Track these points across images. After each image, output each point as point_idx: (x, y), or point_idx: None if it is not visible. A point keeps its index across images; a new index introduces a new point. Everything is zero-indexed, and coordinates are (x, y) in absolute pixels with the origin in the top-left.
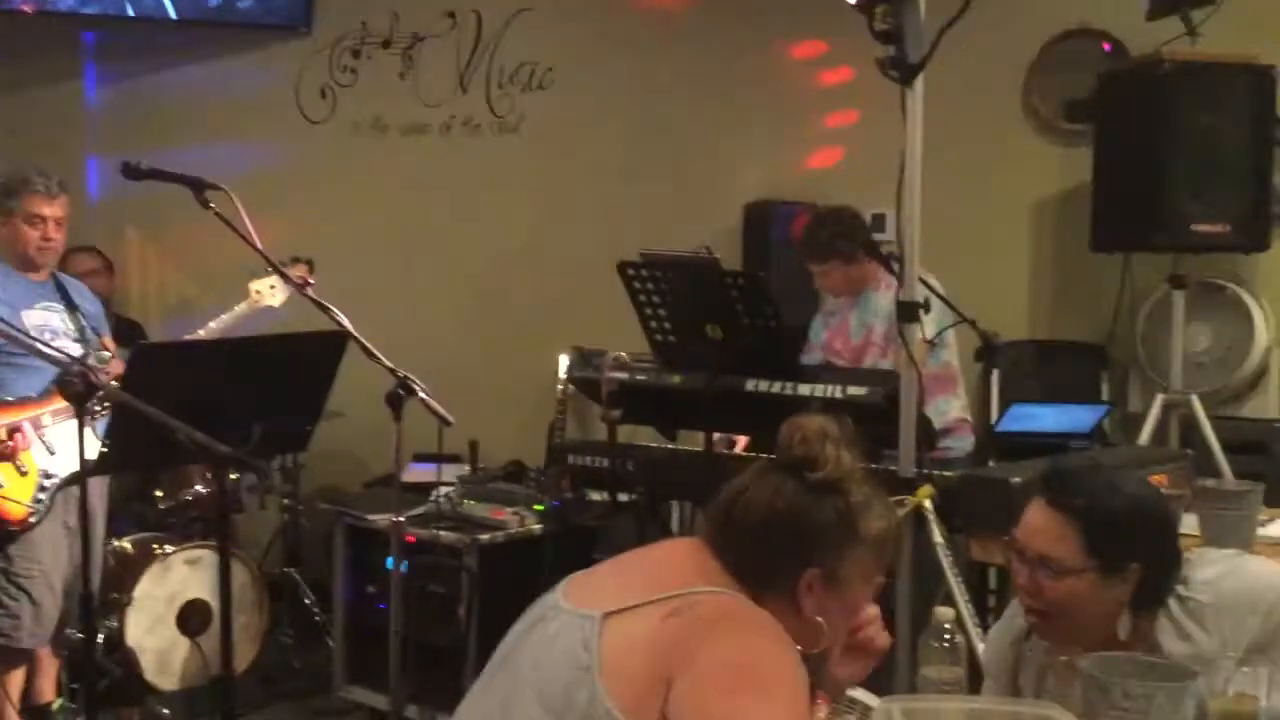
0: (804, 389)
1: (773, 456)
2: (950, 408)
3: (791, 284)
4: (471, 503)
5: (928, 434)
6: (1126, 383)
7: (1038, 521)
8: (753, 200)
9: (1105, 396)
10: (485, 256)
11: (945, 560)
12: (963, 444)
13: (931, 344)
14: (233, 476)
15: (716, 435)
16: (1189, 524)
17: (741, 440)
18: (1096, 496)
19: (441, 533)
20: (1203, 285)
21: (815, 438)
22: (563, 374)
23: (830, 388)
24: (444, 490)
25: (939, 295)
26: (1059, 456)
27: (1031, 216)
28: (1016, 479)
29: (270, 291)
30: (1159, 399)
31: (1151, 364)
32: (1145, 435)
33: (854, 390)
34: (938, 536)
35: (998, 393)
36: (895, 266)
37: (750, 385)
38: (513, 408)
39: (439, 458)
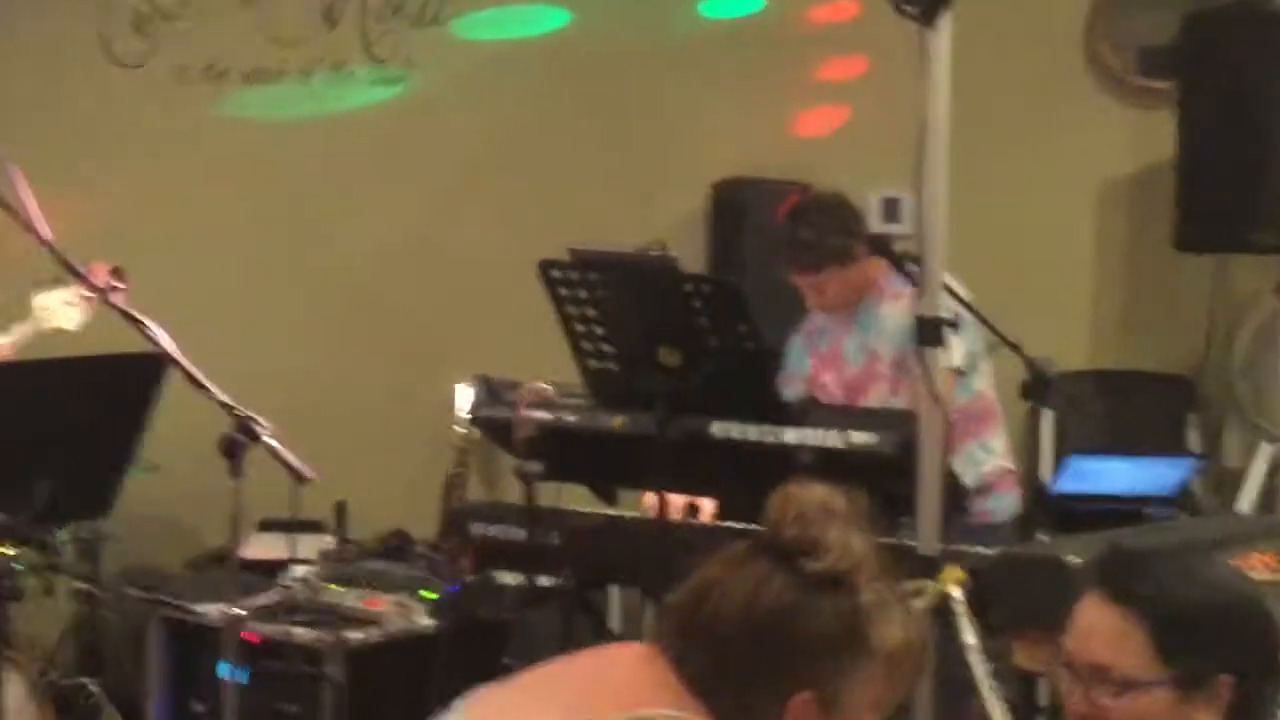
0: (791, 435)
1: (754, 533)
2: (988, 455)
3: (775, 291)
4: (337, 588)
5: (955, 494)
6: (1221, 428)
7: (1093, 621)
8: (723, 178)
9: (1193, 447)
10: (359, 253)
11: (979, 669)
12: (1006, 503)
13: (960, 372)
14: (7, 552)
15: (673, 498)
16: None
17: (707, 505)
18: (1170, 586)
19: (295, 630)
20: None
21: (816, 516)
22: (463, 412)
23: (827, 433)
24: (299, 571)
25: (968, 307)
26: (1128, 531)
27: (1095, 204)
28: (1076, 559)
29: (63, 308)
30: (1265, 450)
31: (1256, 403)
32: (1247, 498)
33: (859, 437)
34: (969, 636)
35: (1051, 441)
36: (911, 270)
37: (719, 430)
38: (395, 458)
39: (293, 526)
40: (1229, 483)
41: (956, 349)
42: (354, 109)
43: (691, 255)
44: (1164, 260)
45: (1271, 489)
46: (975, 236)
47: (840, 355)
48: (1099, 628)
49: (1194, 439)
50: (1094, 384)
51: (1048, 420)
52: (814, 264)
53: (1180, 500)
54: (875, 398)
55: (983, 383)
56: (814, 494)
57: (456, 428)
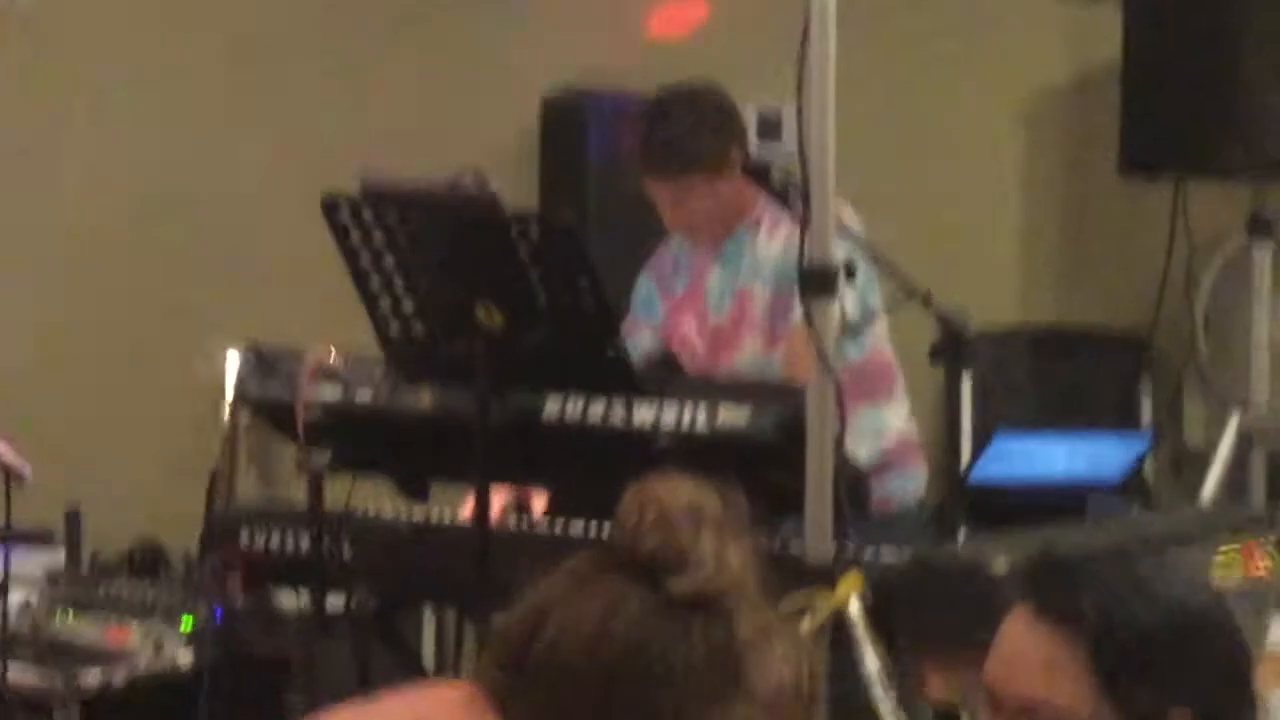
0: (644, 413)
1: (603, 541)
2: (886, 421)
3: (624, 231)
4: (70, 617)
5: (855, 487)
6: (1180, 397)
7: (1021, 644)
8: (556, 91)
9: (1146, 420)
10: (91, 190)
11: (883, 701)
12: (911, 484)
13: (851, 326)
14: None
15: (496, 493)
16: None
17: (539, 501)
18: (1114, 600)
19: (15, 671)
20: None
21: (682, 520)
22: (230, 389)
23: (688, 411)
24: (20, 597)
25: (861, 245)
26: (1066, 528)
27: (1024, 119)
28: (1001, 565)
29: None
30: (1233, 422)
31: (1219, 365)
32: (1212, 483)
33: (729, 416)
34: (871, 661)
35: (971, 416)
36: (793, 199)
37: (553, 408)
38: (143, 449)
39: (9, 538)
40: (1190, 463)
41: (848, 298)
42: (79, 9)
43: (517, 187)
44: (1109, 188)
45: (1240, 468)
46: (874, 158)
47: (701, 296)
48: (1028, 652)
49: (1147, 411)
50: (1025, 344)
51: (967, 390)
52: (677, 167)
53: (1131, 487)
54: (747, 353)
55: (875, 336)
56: (678, 491)
57: (223, 408)
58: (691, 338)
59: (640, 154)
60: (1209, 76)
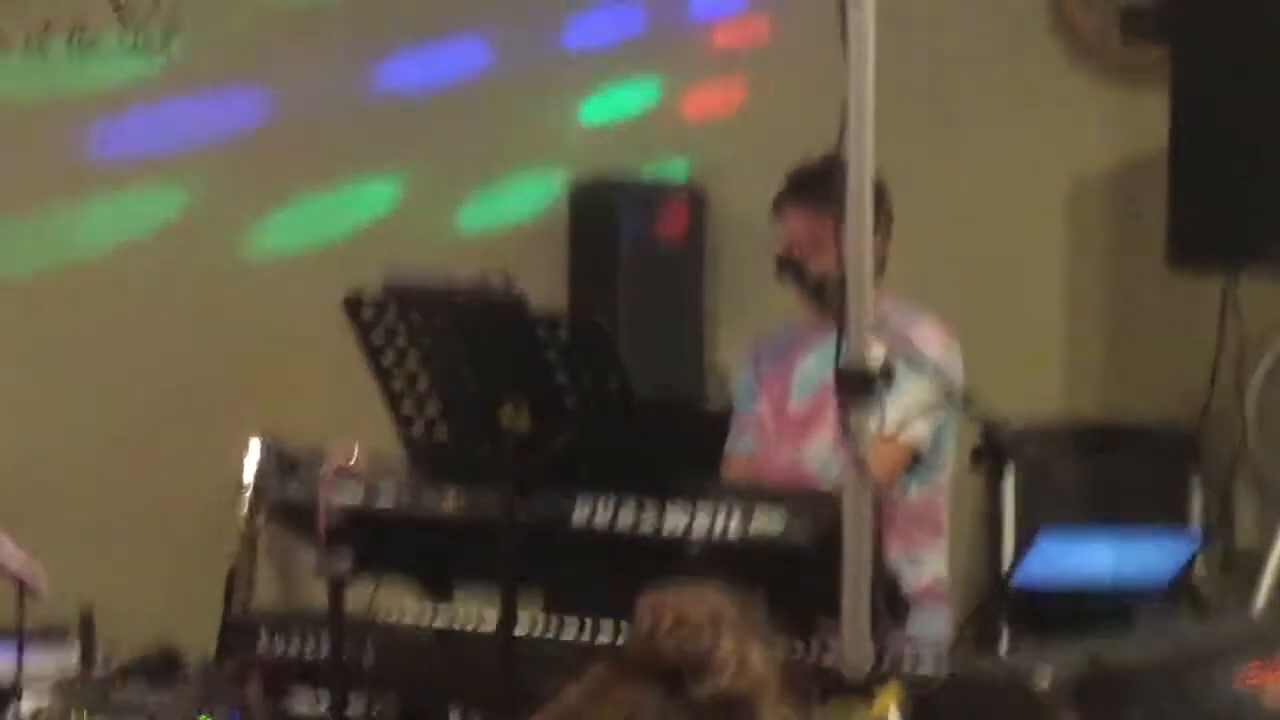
0: (676, 518)
1: (625, 655)
2: (923, 566)
3: (658, 327)
4: None
5: (893, 601)
6: (1231, 495)
7: None
8: (585, 177)
9: (1196, 518)
10: (108, 275)
11: None
12: (935, 625)
13: (917, 456)
14: None
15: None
16: None
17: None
18: (1159, 715)
19: None
20: None
21: (701, 624)
22: (250, 485)
23: (720, 519)
24: (29, 703)
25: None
26: (1113, 638)
27: (1068, 210)
28: (1044, 681)
29: None
30: None
31: (1272, 462)
32: (1265, 586)
33: (762, 524)
34: None
35: (1013, 512)
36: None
37: (581, 512)
38: (159, 548)
39: (20, 638)
40: (1241, 564)
41: (894, 407)
42: (101, 83)
43: (545, 280)
44: (1156, 278)
45: None
46: (914, 249)
47: (789, 377)
48: None
49: (1197, 508)
50: (1070, 440)
51: (1010, 488)
52: (821, 202)
53: (1180, 590)
54: (815, 447)
55: (940, 484)
56: (698, 600)
57: (241, 506)
58: (765, 417)
59: (794, 181)
60: (1259, 166)
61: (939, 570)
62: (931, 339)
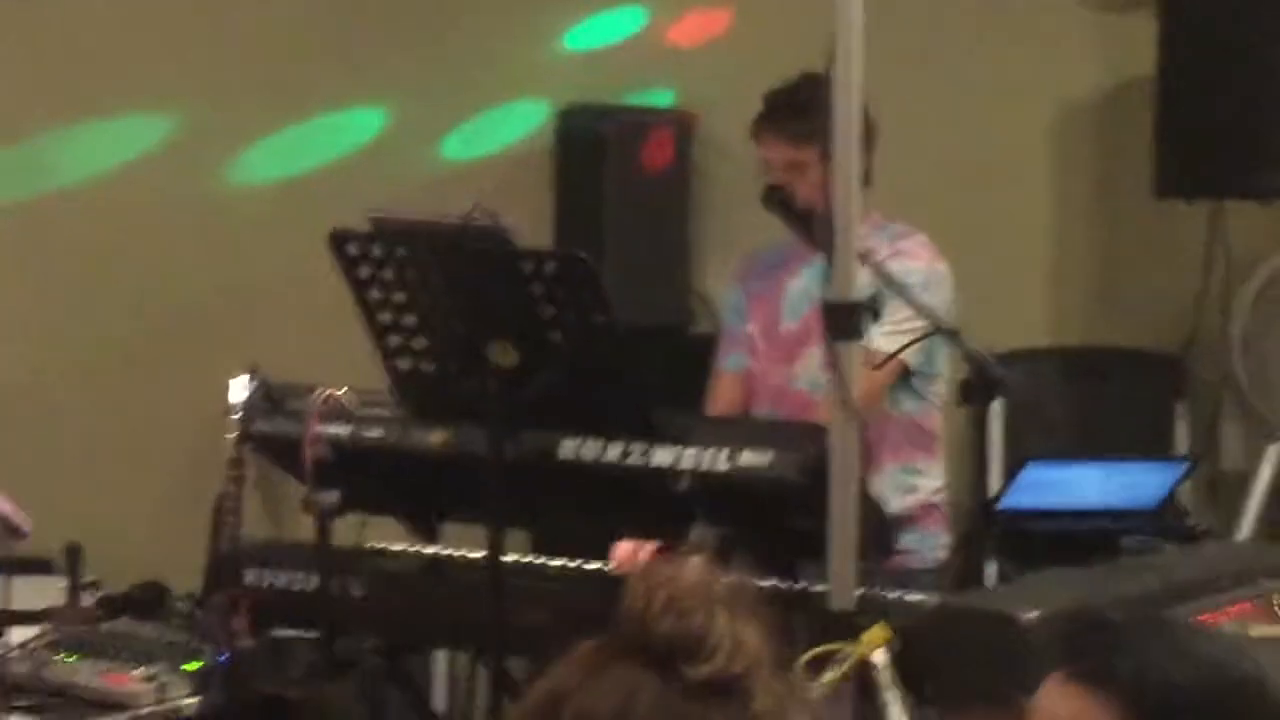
0: (663, 455)
1: (614, 628)
2: (921, 481)
3: (645, 253)
4: (70, 659)
5: (881, 530)
6: (1217, 420)
7: (1055, 709)
8: (571, 104)
9: (1181, 442)
10: (88, 201)
11: None
12: (932, 543)
13: (909, 372)
14: None
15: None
16: None
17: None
18: (1147, 663)
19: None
20: None
21: (694, 603)
22: (235, 414)
23: (708, 453)
24: (17, 637)
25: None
26: (1098, 571)
27: (1054, 136)
28: (1031, 614)
29: None
30: (1272, 451)
31: (1257, 387)
32: (1251, 513)
33: (750, 458)
34: (896, 712)
35: (1001, 439)
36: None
37: (569, 449)
38: (144, 482)
39: (9, 566)
40: (1227, 489)
41: (915, 347)
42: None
43: (530, 204)
44: (1143, 206)
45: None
46: (900, 179)
47: (780, 296)
48: (1062, 717)
49: (1183, 433)
50: (1057, 367)
51: (997, 416)
52: (806, 133)
53: (1166, 515)
54: (809, 366)
55: (936, 397)
56: (688, 574)
57: (229, 434)
58: (756, 339)
59: (770, 106)
60: (1247, 93)
61: (936, 486)
62: (922, 256)
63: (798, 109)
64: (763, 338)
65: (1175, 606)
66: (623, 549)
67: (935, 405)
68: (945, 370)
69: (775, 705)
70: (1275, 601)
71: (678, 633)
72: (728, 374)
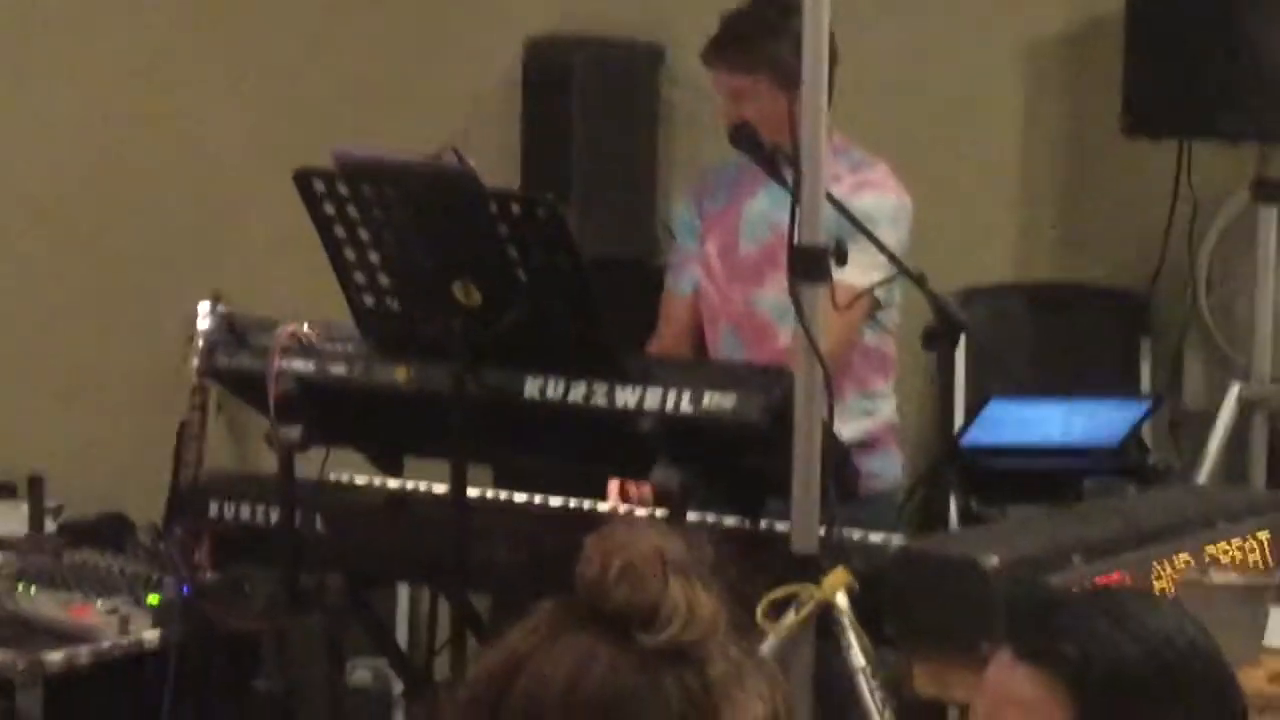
0: (626, 395)
1: (569, 595)
2: (877, 406)
3: (613, 185)
4: (31, 591)
5: (842, 471)
6: (1180, 359)
7: (1003, 686)
8: (540, 34)
9: (1145, 379)
10: (55, 144)
11: (869, 697)
12: (891, 465)
13: (877, 300)
14: None
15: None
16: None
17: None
18: (1093, 639)
19: None
20: None
21: (649, 570)
22: (198, 345)
23: (672, 394)
24: None
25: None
26: (1056, 515)
27: (1021, 70)
28: (993, 558)
29: None
30: (1233, 391)
31: (1224, 328)
32: (1212, 453)
33: (714, 400)
34: (859, 657)
35: (964, 374)
36: (783, 166)
37: (532, 388)
38: (108, 413)
39: None
40: (1190, 427)
41: (867, 265)
42: None
43: (497, 146)
44: (1110, 147)
45: (1240, 436)
46: (865, 111)
47: (737, 218)
48: (1010, 695)
49: (1147, 371)
50: (1022, 301)
51: (962, 353)
52: (743, 61)
53: (1128, 453)
54: (768, 293)
55: (891, 325)
56: (643, 541)
57: (192, 360)
58: (712, 260)
59: (712, 41)
60: (1215, 34)
61: (891, 410)
62: (890, 187)
63: (739, 37)
64: (720, 259)
65: (1136, 551)
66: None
67: (891, 332)
68: (899, 298)
69: (731, 671)
70: (1234, 546)
71: (632, 601)
72: (679, 297)
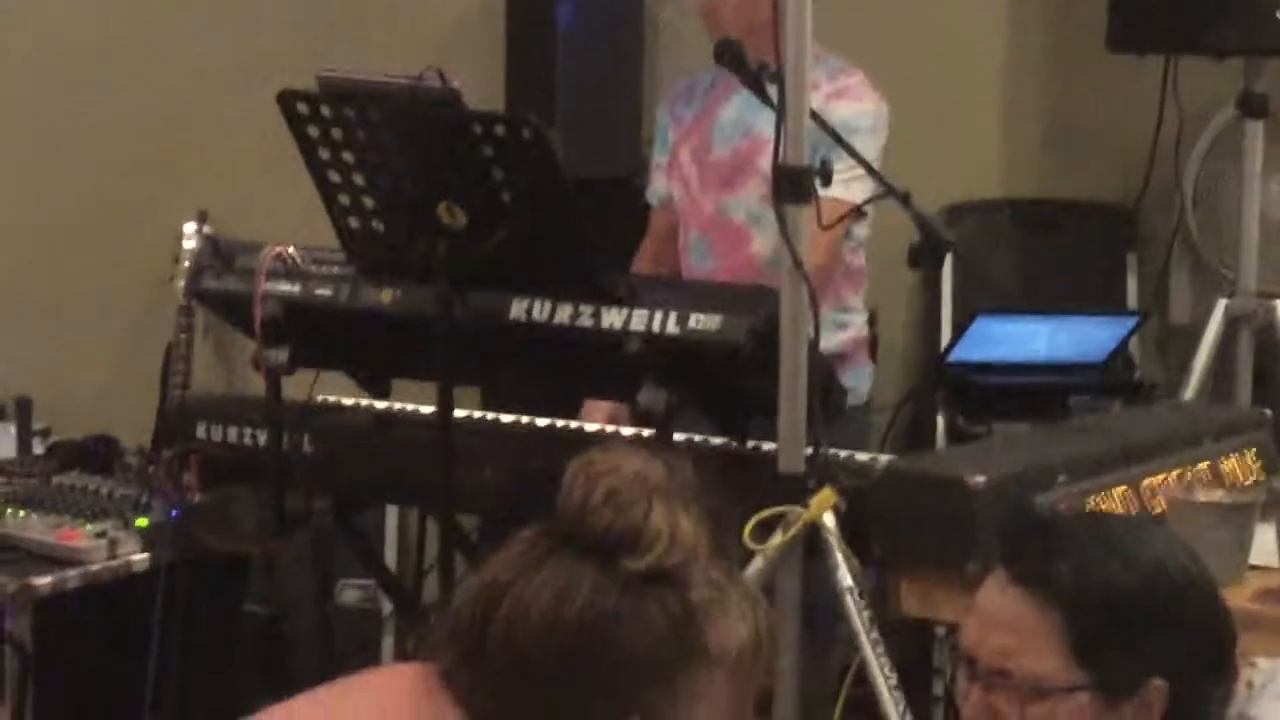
0: (612, 317)
1: (551, 521)
2: (851, 318)
3: (597, 107)
4: (20, 514)
5: (828, 388)
6: (1167, 274)
7: (995, 608)
8: None
9: (1132, 295)
10: (33, 67)
11: (857, 615)
12: (864, 377)
13: (861, 212)
14: None
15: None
16: (1264, 546)
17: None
18: (1087, 564)
19: None
20: None
21: (631, 495)
22: (183, 265)
23: (658, 315)
24: None
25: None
26: (1040, 432)
27: None
28: (979, 477)
29: None
30: (1221, 304)
31: (1208, 242)
32: (1198, 368)
33: (701, 320)
34: (846, 577)
35: (950, 290)
36: (768, 85)
37: (518, 309)
38: (94, 336)
39: None
40: (1176, 344)
41: (851, 181)
42: None
43: (481, 66)
44: (1095, 62)
45: (1227, 351)
46: (850, 29)
47: (710, 124)
48: (1002, 616)
49: (1133, 286)
50: (1008, 218)
51: (947, 272)
52: None
53: (1114, 369)
54: (742, 199)
55: (861, 238)
56: (624, 464)
57: (178, 280)
58: (685, 167)
59: None
60: None
61: (862, 323)
62: (869, 96)
63: None
64: (692, 165)
65: (1123, 469)
66: (598, 408)
67: (861, 243)
68: (871, 210)
69: (713, 594)
70: (1221, 464)
71: (615, 525)
72: (655, 208)
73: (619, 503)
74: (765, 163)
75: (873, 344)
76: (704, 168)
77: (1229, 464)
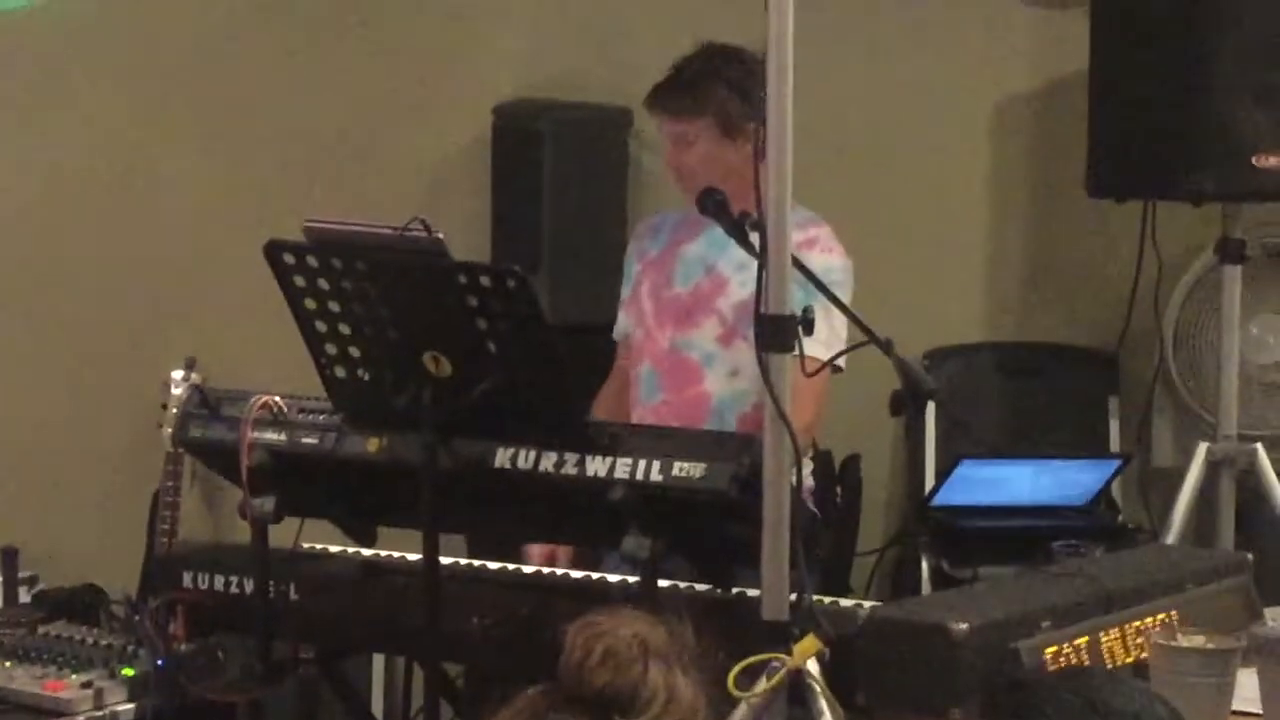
0: (596, 465)
1: (555, 684)
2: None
3: (583, 247)
4: (5, 665)
5: (810, 534)
6: (1149, 417)
7: None
8: (508, 99)
9: (1115, 442)
10: (24, 198)
11: None
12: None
13: (837, 368)
14: None
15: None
16: (1247, 691)
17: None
18: None
19: None
20: (1275, 256)
21: (630, 655)
22: (172, 408)
23: (641, 463)
24: None
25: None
26: (1024, 579)
27: (989, 130)
28: (962, 624)
29: None
30: (1202, 448)
31: (1190, 386)
32: (1181, 512)
33: (684, 468)
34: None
35: (934, 434)
36: (750, 232)
37: (503, 458)
38: (82, 485)
39: None
40: (1159, 486)
41: (825, 330)
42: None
43: (466, 210)
44: (1075, 208)
45: (1208, 493)
46: (833, 170)
47: (672, 261)
48: None
49: (1115, 429)
50: (989, 362)
51: (930, 415)
52: (688, 106)
53: (1098, 512)
54: (697, 338)
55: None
56: (626, 627)
57: (166, 428)
58: (644, 301)
59: (656, 87)
60: (1177, 97)
61: (808, 474)
62: (838, 250)
63: (683, 82)
64: (650, 299)
65: (1105, 615)
66: (537, 550)
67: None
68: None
69: None
70: (1202, 610)
71: (614, 685)
72: (619, 344)
73: (617, 663)
74: (725, 303)
75: (856, 488)
76: (661, 303)
77: (1211, 608)
